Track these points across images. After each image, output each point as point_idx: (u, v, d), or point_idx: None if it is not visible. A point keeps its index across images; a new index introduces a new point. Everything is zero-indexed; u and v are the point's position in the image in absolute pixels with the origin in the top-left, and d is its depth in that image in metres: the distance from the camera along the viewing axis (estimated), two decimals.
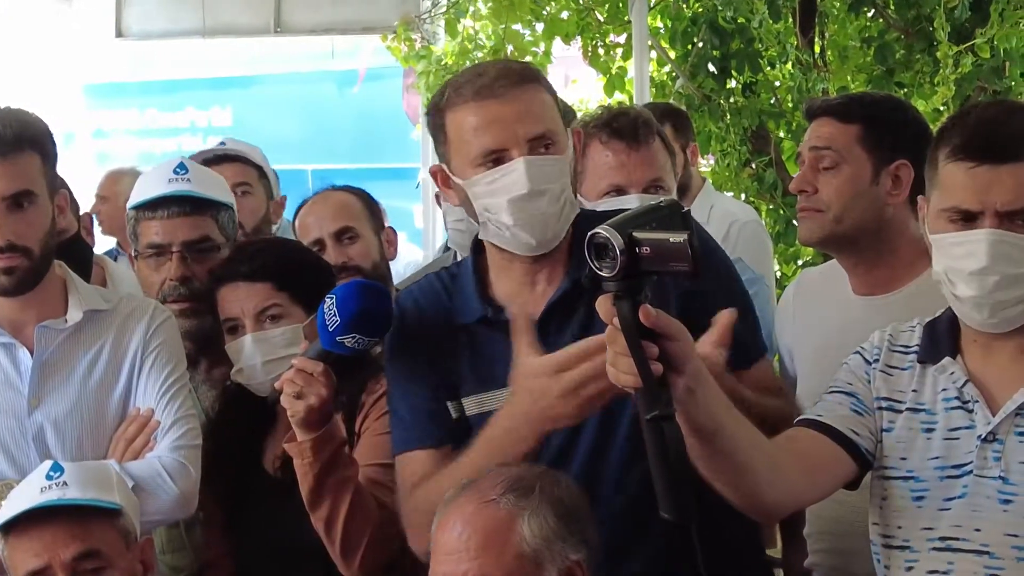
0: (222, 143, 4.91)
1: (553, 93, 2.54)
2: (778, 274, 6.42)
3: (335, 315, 2.57)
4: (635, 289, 1.82)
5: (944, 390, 2.31)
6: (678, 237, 1.76)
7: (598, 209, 3.08)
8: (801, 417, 2.38)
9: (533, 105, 2.45)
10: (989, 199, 2.20)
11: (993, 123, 2.25)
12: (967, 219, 2.22)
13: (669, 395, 1.89)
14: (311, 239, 3.64)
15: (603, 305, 1.86)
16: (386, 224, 3.91)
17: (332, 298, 2.60)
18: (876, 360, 2.38)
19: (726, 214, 4.48)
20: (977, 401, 2.26)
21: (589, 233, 1.82)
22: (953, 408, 2.29)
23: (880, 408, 2.35)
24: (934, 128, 6.16)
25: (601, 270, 1.82)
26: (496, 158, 2.44)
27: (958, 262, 2.23)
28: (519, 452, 2.35)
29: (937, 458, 2.28)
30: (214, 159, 4.23)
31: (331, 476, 2.62)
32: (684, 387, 1.92)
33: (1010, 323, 2.25)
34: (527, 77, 2.47)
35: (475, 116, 2.44)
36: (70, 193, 3.86)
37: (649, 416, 1.87)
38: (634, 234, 1.79)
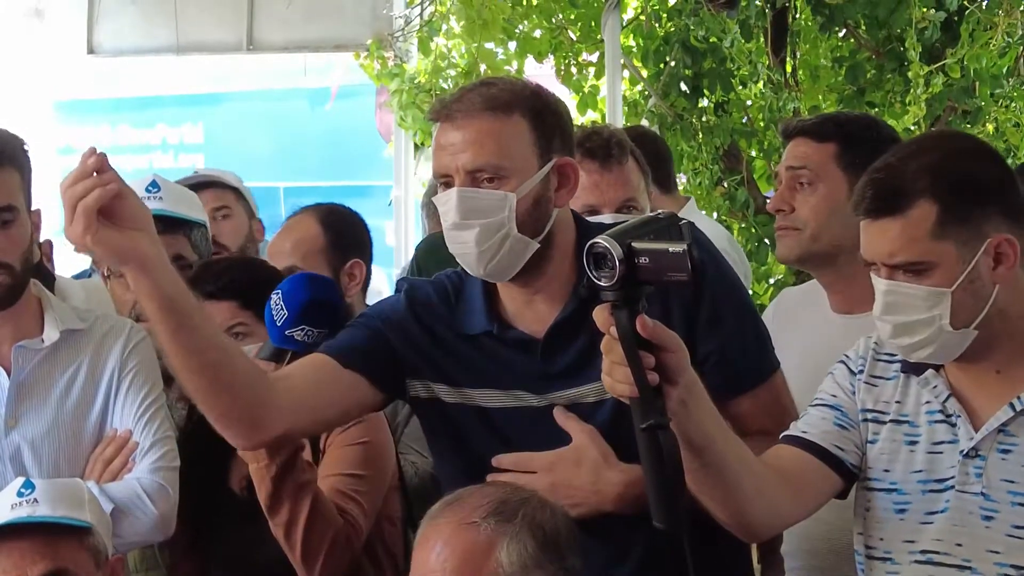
0: (194, 171, 4.87)
1: (541, 122, 2.44)
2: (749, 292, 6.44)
3: (282, 308, 2.55)
4: (633, 299, 1.83)
5: (927, 403, 2.31)
6: (677, 247, 1.77)
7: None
8: (785, 434, 2.38)
9: (485, 136, 2.37)
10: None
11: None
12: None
13: (664, 405, 1.89)
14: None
15: (601, 314, 1.86)
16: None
17: (278, 293, 2.57)
18: (861, 371, 2.38)
19: None
20: (959, 416, 2.26)
21: (588, 243, 1.83)
22: (937, 421, 2.29)
23: (865, 420, 2.36)
24: None
25: (599, 280, 1.82)
26: (445, 182, 2.41)
27: None
28: None
29: (920, 471, 2.28)
30: (189, 187, 4.20)
31: (288, 480, 2.60)
32: (678, 399, 1.93)
33: (933, 359, 2.26)
34: (496, 105, 2.39)
35: (437, 135, 2.44)
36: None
37: (645, 425, 1.87)
38: (633, 244, 1.80)
